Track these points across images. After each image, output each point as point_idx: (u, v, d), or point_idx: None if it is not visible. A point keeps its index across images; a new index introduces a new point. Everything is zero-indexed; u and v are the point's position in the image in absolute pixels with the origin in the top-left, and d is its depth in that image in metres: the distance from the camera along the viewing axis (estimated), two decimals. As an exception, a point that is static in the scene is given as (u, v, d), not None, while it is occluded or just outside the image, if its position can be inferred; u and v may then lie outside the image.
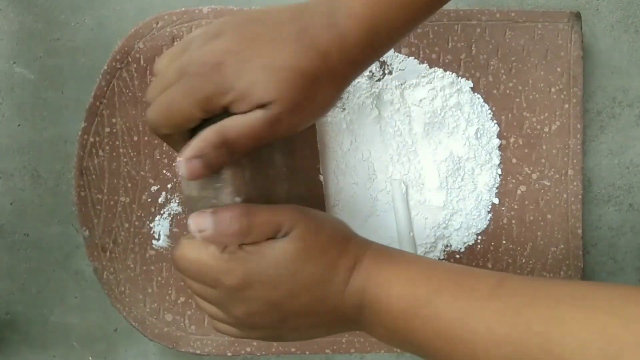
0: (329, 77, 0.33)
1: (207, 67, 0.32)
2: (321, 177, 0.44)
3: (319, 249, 0.34)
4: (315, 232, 0.34)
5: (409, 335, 0.33)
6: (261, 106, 0.32)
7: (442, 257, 0.47)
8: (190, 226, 0.33)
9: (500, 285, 0.31)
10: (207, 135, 0.32)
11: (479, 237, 0.48)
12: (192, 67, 0.32)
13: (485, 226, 0.47)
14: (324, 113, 0.35)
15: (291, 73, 0.32)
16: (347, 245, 0.35)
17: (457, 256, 0.47)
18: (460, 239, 0.47)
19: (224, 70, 0.32)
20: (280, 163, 0.37)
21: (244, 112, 0.32)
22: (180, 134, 0.34)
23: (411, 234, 0.46)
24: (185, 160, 0.32)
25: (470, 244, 0.47)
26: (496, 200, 0.48)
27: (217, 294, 0.34)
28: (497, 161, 0.47)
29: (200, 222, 0.33)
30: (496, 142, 0.47)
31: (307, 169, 0.42)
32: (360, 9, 0.32)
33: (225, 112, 0.32)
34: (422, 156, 0.47)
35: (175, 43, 0.47)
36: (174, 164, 0.47)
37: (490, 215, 0.48)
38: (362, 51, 0.33)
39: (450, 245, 0.47)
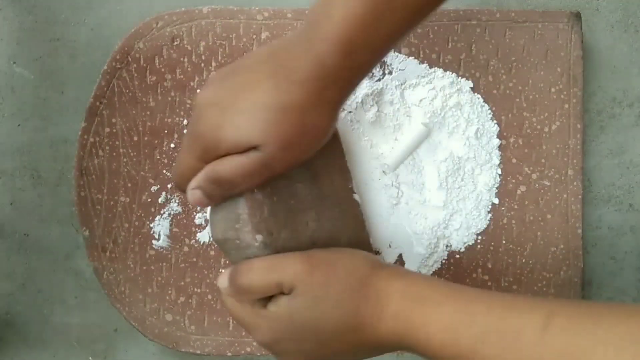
0: (315, 105, 0.32)
1: (195, 125, 0.33)
2: (356, 197, 0.42)
3: (332, 301, 0.33)
4: (324, 284, 0.33)
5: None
6: (254, 147, 0.32)
7: (443, 257, 0.47)
8: (218, 284, 0.36)
9: (547, 326, 0.29)
10: (205, 171, 0.34)
11: (479, 237, 0.48)
12: (188, 127, 0.34)
13: (485, 226, 0.47)
14: (321, 143, 0.34)
15: (272, 111, 0.31)
16: (367, 290, 0.33)
17: (457, 256, 0.47)
18: (460, 239, 0.47)
19: (209, 123, 0.32)
20: (303, 192, 0.37)
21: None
22: None
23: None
24: (188, 190, 0.34)
25: (470, 244, 0.47)
26: (496, 200, 0.48)
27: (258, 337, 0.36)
28: (497, 161, 0.47)
29: (220, 281, 0.36)
30: (496, 142, 0.47)
31: (338, 191, 0.41)
32: (334, 32, 0.31)
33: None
34: (422, 156, 0.47)
35: (175, 43, 0.47)
36: (174, 164, 0.47)
37: (490, 215, 0.48)
38: (343, 73, 0.32)
39: (451, 245, 0.47)
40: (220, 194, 0.34)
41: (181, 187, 0.36)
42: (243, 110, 0.32)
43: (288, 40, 0.34)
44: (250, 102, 0.32)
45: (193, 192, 0.34)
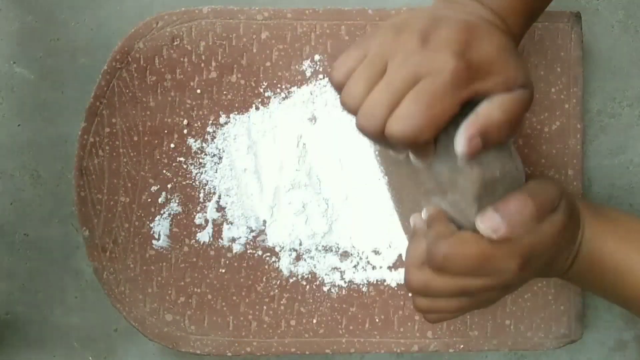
0: (515, 45, 0.35)
1: (461, 59, 0.29)
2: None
3: (570, 210, 0.36)
4: (567, 197, 0.36)
5: (619, 290, 0.37)
6: (520, 87, 0.31)
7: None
8: (483, 229, 0.33)
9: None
10: (491, 115, 0.30)
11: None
12: (444, 63, 0.29)
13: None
14: None
15: (517, 54, 0.32)
16: (574, 209, 0.37)
17: (457, 256, 0.47)
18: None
19: (475, 57, 0.30)
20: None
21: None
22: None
23: None
24: (471, 138, 0.30)
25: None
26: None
27: (487, 281, 0.33)
28: None
29: (492, 224, 0.32)
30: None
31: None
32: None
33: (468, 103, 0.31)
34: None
35: (175, 43, 0.47)
36: (173, 164, 0.47)
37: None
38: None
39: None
40: (502, 139, 0.31)
41: (421, 138, 0.30)
42: (505, 49, 0.31)
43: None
44: (502, 43, 0.31)
45: (472, 141, 0.30)
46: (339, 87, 0.32)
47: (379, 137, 0.30)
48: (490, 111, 0.30)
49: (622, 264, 0.36)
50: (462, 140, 0.30)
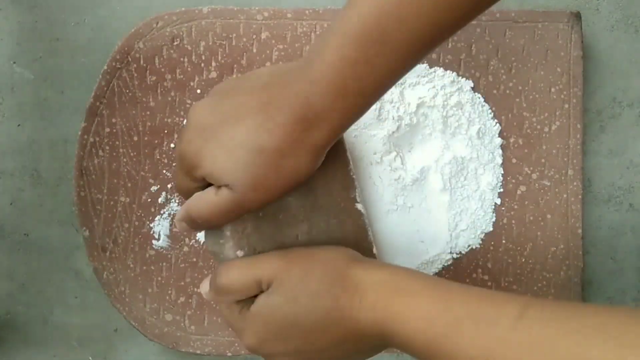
0: (294, 149, 0.32)
1: (180, 141, 0.34)
2: (358, 206, 0.40)
3: (310, 293, 0.33)
4: (302, 278, 0.33)
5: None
6: (226, 185, 0.32)
7: (447, 259, 0.47)
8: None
9: (522, 316, 0.29)
10: (185, 209, 0.35)
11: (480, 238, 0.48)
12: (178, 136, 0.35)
13: (491, 227, 0.47)
14: (299, 182, 0.34)
15: (248, 152, 0.31)
16: (346, 281, 0.33)
17: (457, 256, 0.47)
18: (465, 241, 0.47)
19: (192, 146, 0.33)
20: (294, 205, 0.37)
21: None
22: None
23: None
24: (176, 221, 0.37)
25: (475, 247, 0.47)
26: (498, 201, 0.47)
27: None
28: (499, 160, 0.47)
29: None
30: (498, 141, 0.47)
31: (337, 201, 0.39)
32: (324, 73, 0.31)
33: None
34: (425, 157, 0.47)
35: (175, 43, 0.47)
36: (173, 165, 0.47)
37: (494, 215, 0.47)
38: (333, 114, 0.32)
39: (456, 246, 0.47)
40: (201, 228, 0.36)
41: (181, 195, 0.37)
42: (222, 145, 0.32)
43: (287, 71, 0.33)
44: (230, 138, 0.32)
45: (180, 224, 0.36)
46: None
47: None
48: (193, 202, 0.34)
49: (431, 344, 0.31)
50: (175, 221, 0.37)
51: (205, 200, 0.33)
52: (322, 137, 0.33)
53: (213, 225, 0.35)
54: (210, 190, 0.33)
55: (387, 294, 0.33)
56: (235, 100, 0.33)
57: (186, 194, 0.36)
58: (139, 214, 0.47)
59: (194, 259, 0.47)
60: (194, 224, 0.35)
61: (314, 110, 0.32)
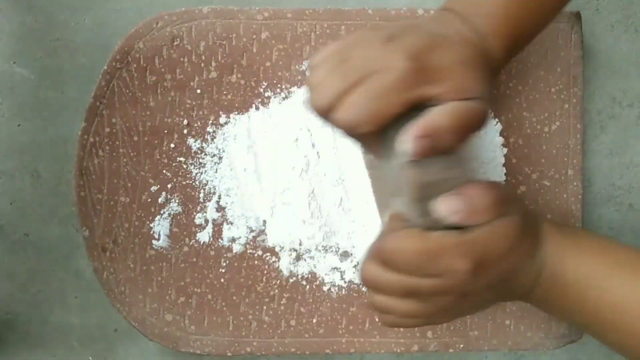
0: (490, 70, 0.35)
1: (414, 61, 0.31)
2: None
3: (526, 216, 0.35)
4: (523, 204, 0.37)
5: (578, 306, 0.36)
6: (475, 99, 0.32)
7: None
8: (442, 211, 0.32)
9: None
10: (439, 118, 0.31)
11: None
12: (396, 62, 0.31)
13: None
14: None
15: (480, 70, 0.33)
16: (532, 219, 0.36)
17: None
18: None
19: (431, 63, 0.31)
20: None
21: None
22: (377, 131, 0.32)
23: None
24: (415, 139, 0.30)
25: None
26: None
27: (437, 282, 0.32)
28: (502, 159, 0.47)
29: (453, 205, 0.32)
30: (499, 140, 0.47)
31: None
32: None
33: (419, 106, 0.31)
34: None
35: (175, 43, 0.47)
36: (173, 165, 0.47)
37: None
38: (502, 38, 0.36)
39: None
40: (448, 146, 0.31)
41: (358, 129, 0.31)
42: (465, 63, 0.33)
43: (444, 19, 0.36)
44: (465, 58, 0.33)
45: (421, 141, 0.30)
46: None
47: (325, 117, 0.32)
48: (438, 116, 0.31)
49: (583, 278, 0.35)
50: (404, 138, 0.31)
51: (470, 105, 0.32)
52: (501, 58, 0.37)
53: (464, 135, 0.32)
54: (459, 103, 0.32)
55: (557, 236, 0.37)
56: (432, 30, 0.34)
57: (381, 118, 0.31)
58: (139, 214, 0.47)
59: (194, 259, 0.47)
60: (448, 137, 0.31)
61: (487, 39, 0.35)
